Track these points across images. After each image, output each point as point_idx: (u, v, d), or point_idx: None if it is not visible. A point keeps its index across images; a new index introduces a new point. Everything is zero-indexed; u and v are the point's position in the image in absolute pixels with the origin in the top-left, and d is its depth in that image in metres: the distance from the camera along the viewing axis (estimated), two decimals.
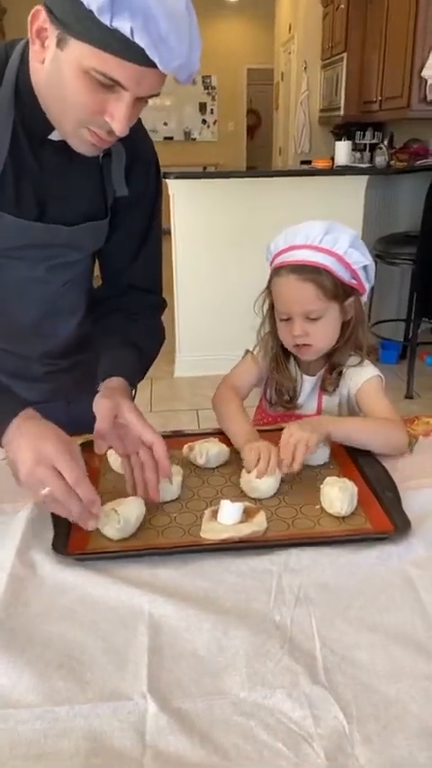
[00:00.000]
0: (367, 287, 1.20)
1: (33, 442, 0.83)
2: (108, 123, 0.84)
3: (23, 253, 1.02)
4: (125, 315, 1.14)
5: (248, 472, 1.00)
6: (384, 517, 0.92)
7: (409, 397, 3.47)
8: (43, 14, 0.80)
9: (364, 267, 1.18)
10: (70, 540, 0.87)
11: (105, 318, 1.15)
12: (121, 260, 1.15)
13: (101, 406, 0.95)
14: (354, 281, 1.18)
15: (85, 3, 0.74)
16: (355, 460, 1.06)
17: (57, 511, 0.84)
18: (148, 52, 0.76)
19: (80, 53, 0.78)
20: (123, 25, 0.74)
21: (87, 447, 1.02)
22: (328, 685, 0.65)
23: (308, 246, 1.15)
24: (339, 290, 1.17)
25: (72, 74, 0.80)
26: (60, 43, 0.80)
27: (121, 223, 1.10)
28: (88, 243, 1.08)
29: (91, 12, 0.74)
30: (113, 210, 1.08)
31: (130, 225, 1.11)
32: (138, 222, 1.12)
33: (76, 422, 1.21)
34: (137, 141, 1.04)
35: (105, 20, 0.74)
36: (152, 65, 0.78)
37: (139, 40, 0.75)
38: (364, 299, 1.23)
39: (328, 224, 1.16)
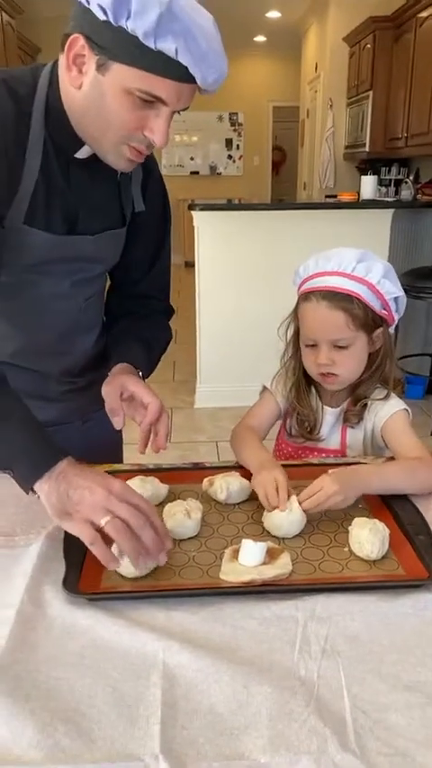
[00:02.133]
0: (396, 318, 1.16)
1: (99, 478, 0.82)
2: (147, 138, 0.89)
3: (50, 267, 1.03)
4: (134, 317, 1.21)
5: (269, 512, 0.95)
6: (418, 562, 0.85)
7: None
8: (81, 42, 0.83)
9: (396, 298, 1.14)
10: (82, 578, 0.82)
11: (116, 324, 1.21)
12: (138, 271, 1.20)
13: (104, 391, 1.02)
14: (384, 312, 1.14)
15: (129, 30, 0.79)
16: (386, 501, 1.00)
17: (121, 541, 0.77)
18: (191, 70, 0.82)
19: (123, 76, 0.83)
20: (168, 47, 0.80)
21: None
22: (360, 753, 0.59)
23: (340, 274, 1.12)
24: (369, 320, 1.13)
25: (115, 95, 0.84)
26: (101, 68, 0.84)
27: (138, 237, 1.14)
28: (109, 254, 1.11)
29: (135, 37, 0.79)
30: (131, 225, 1.11)
31: (147, 238, 1.16)
32: (152, 235, 1.18)
33: (90, 443, 1.22)
34: (150, 159, 1.10)
35: (150, 43, 0.79)
36: (191, 80, 0.83)
37: (183, 59, 0.80)
38: (391, 330, 1.19)
39: (360, 252, 1.13)
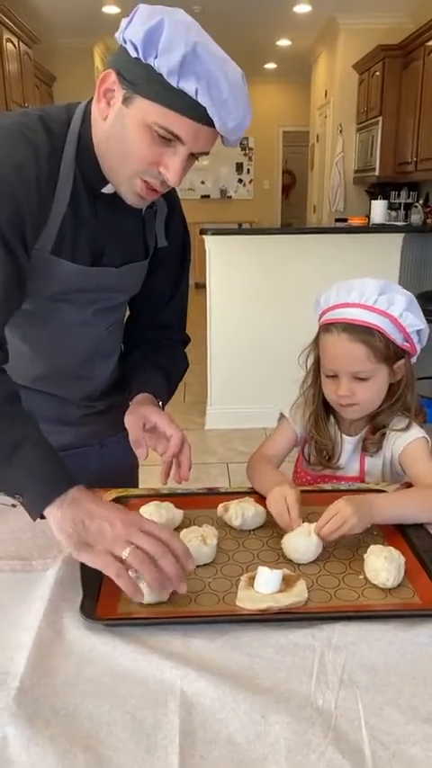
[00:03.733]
0: (419, 349, 1.17)
1: (116, 510, 0.83)
2: (161, 174, 0.91)
3: (74, 296, 1.06)
4: (151, 346, 1.23)
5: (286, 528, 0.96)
6: None
7: None
8: (113, 77, 0.88)
9: (418, 331, 1.14)
10: (99, 604, 0.82)
11: (135, 352, 1.23)
12: (158, 302, 1.23)
13: (128, 421, 1.05)
14: (406, 344, 1.14)
15: (155, 67, 0.83)
16: (401, 528, 1.00)
17: (144, 571, 0.78)
18: (209, 111, 0.85)
19: (145, 110, 0.86)
20: (189, 86, 0.83)
21: (123, 501, 1.05)
22: None
23: (361, 306, 1.12)
24: (391, 352, 1.13)
25: (135, 128, 0.88)
26: (126, 101, 0.88)
27: (158, 269, 1.17)
28: (131, 285, 1.14)
29: (160, 75, 0.84)
30: (152, 258, 1.15)
31: (167, 271, 1.19)
32: (172, 268, 1.21)
33: (107, 466, 1.24)
34: (174, 197, 1.14)
35: (173, 81, 0.83)
36: (210, 123, 0.86)
37: (202, 100, 0.83)
38: (413, 360, 1.19)
39: (383, 284, 1.13)
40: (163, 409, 1.11)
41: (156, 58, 0.83)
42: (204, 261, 3.59)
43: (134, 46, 0.84)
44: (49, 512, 0.83)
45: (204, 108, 0.85)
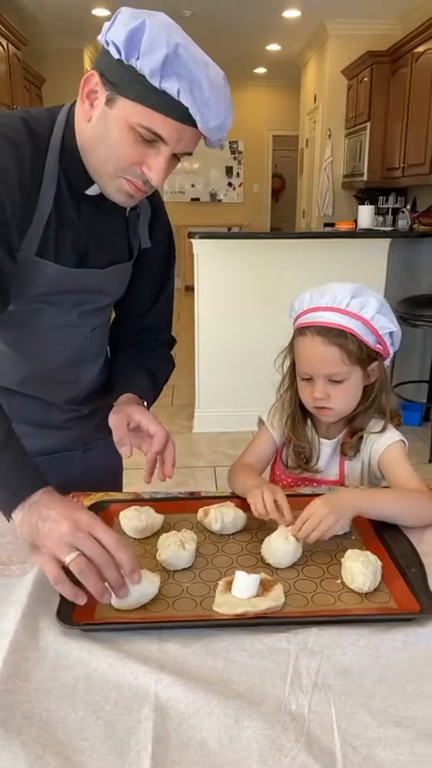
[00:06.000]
0: (392, 351, 1.18)
1: (67, 511, 0.82)
2: (144, 174, 0.92)
3: (59, 298, 1.06)
4: (137, 348, 1.23)
5: (258, 516, 0.99)
6: (410, 596, 0.86)
7: None
8: (96, 78, 0.89)
9: (390, 333, 1.15)
10: (76, 609, 0.82)
11: (121, 354, 1.24)
12: (144, 304, 1.23)
13: (112, 420, 1.04)
14: (379, 346, 1.16)
15: (137, 68, 0.84)
16: (379, 532, 1.01)
17: (84, 580, 0.77)
18: (191, 111, 0.86)
19: (128, 111, 0.87)
20: (171, 87, 0.84)
21: (103, 506, 1.07)
22: None
23: (334, 309, 1.13)
24: (364, 355, 1.14)
25: (118, 128, 0.89)
26: (110, 102, 0.89)
27: (143, 271, 1.17)
28: (115, 287, 1.15)
29: (142, 76, 0.84)
30: (137, 260, 1.15)
31: (152, 273, 1.20)
32: (157, 270, 1.21)
33: (91, 471, 1.24)
34: (158, 198, 1.15)
35: (155, 82, 0.84)
36: (192, 123, 0.87)
37: (184, 100, 0.84)
38: (387, 362, 1.20)
39: (355, 287, 1.14)
40: (148, 410, 1.11)
41: (138, 59, 0.84)
42: (193, 264, 3.60)
43: (116, 47, 0.85)
44: (14, 516, 0.84)
45: (186, 108, 0.86)
